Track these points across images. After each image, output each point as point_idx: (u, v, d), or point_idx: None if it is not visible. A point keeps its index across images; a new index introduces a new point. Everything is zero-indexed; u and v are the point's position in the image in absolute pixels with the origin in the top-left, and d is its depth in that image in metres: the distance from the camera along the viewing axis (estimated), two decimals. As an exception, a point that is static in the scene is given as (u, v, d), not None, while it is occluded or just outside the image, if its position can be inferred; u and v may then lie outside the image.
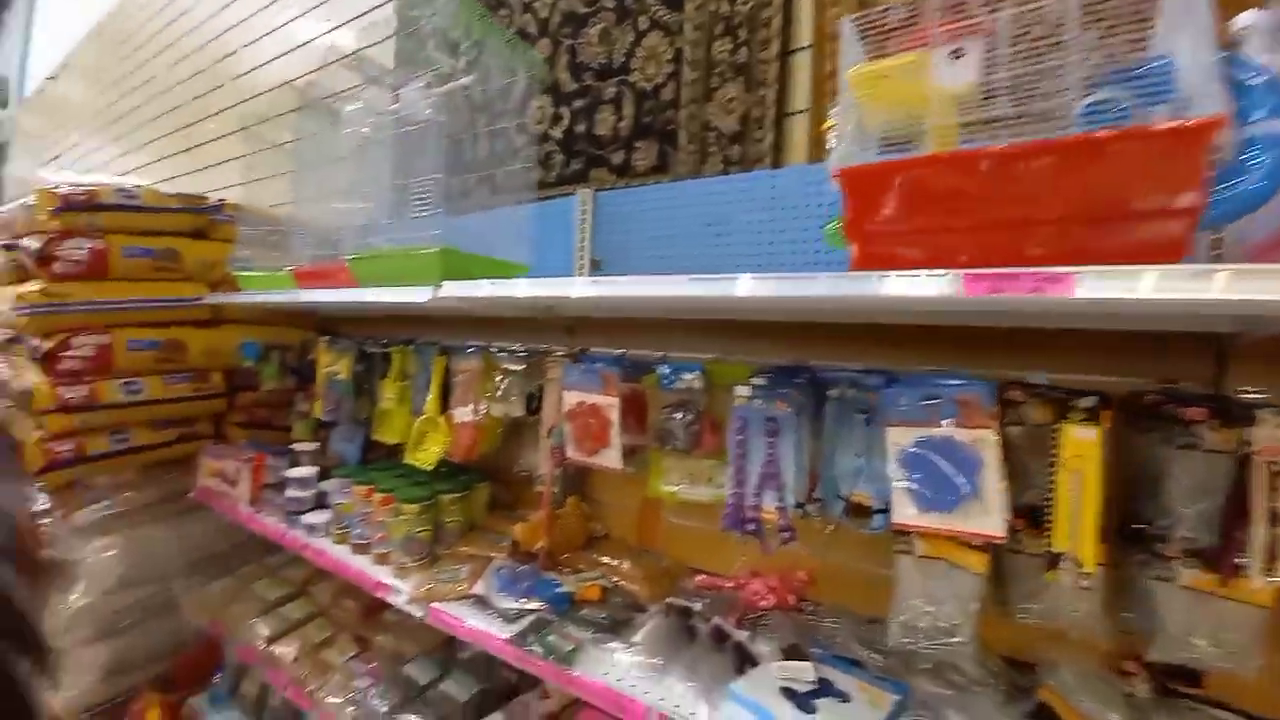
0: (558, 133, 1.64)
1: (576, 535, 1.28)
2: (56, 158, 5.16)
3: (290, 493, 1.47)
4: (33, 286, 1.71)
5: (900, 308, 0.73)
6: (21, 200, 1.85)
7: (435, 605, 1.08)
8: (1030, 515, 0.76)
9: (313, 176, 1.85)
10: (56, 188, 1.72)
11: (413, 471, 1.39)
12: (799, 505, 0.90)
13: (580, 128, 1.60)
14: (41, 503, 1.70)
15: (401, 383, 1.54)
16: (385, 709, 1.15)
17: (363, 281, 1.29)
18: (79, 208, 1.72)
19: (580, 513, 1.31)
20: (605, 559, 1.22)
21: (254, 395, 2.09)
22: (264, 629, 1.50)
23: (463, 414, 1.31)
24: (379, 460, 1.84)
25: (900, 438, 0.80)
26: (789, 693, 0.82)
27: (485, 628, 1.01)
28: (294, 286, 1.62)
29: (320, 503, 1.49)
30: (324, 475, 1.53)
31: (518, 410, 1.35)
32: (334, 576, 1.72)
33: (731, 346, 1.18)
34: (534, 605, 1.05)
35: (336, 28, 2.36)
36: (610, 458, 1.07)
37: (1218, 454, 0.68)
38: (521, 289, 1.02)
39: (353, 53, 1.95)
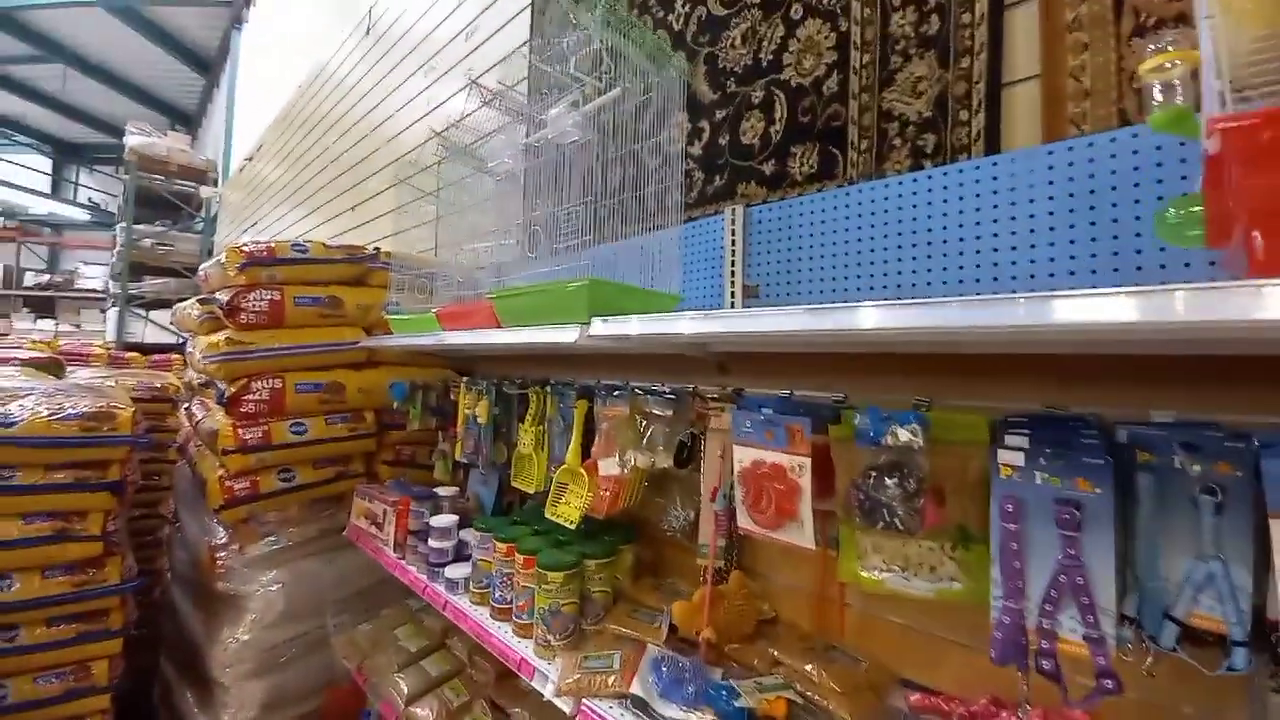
0: (697, 149, 1.49)
1: (743, 620, 1.05)
2: (254, 225, 6.12)
3: (432, 543, 1.41)
4: (221, 335, 1.88)
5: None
6: (215, 259, 2.09)
7: (587, 702, 0.91)
8: None
9: (457, 220, 1.90)
10: (243, 246, 1.90)
11: (554, 525, 1.27)
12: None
13: (723, 140, 1.43)
14: (220, 537, 1.82)
15: (539, 426, 1.44)
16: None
17: (506, 320, 1.21)
18: (262, 263, 1.88)
19: (747, 592, 1.08)
20: (783, 657, 0.97)
21: (401, 434, 2.16)
22: (404, 686, 1.44)
23: (608, 466, 1.16)
24: (517, 505, 1.77)
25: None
26: None
27: (649, 745, 0.81)
28: (438, 328, 1.61)
29: (460, 553, 1.41)
30: (464, 523, 1.46)
31: (665, 461, 1.18)
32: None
33: (942, 385, 0.91)
34: (706, 718, 0.84)
35: (478, 76, 2.45)
36: (801, 534, 0.85)
37: None
38: (684, 325, 0.84)
39: (482, 94, 1.99)
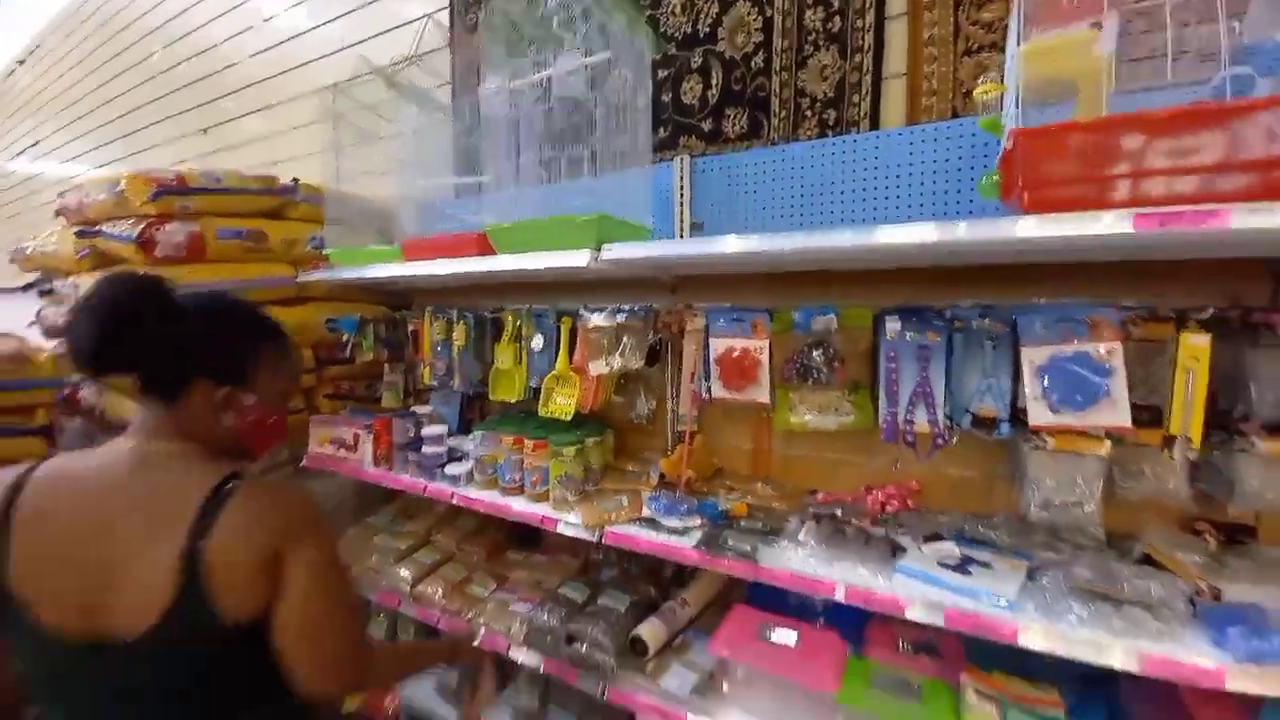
0: (642, 100, 1.73)
1: (706, 468, 1.46)
2: (34, 145, 4.92)
3: (427, 449, 1.60)
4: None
5: (1066, 246, 0.89)
6: (99, 186, 1.87)
7: (610, 529, 1.24)
8: (1139, 414, 0.96)
9: (368, 153, 1.94)
10: (149, 174, 1.75)
11: (543, 423, 1.53)
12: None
13: (666, 97, 1.70)
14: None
15: (516, 345, 1.67)
16: (556, 621, 1.32)
17: (503, 249, 1.40)
18: (174, 191, 1.75)
19: (708, 448, 1.48)
20: (735, 485, 1.40)
21: (340, 369, 2.19)
22: (404, 573, 1.64)
23: (597, 367, 1.45)
24: (476, 421, 1.97)
25: (1036, 356, 0.98)
26: (943, 565, 1.02)
27: (669, 541, 1.18)
28: (396, 259, 1.71)
29: (451, 456, 1.62)
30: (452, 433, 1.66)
31: (637, 363, 1.50)
32: (453, 524, 1.88)
33: (841, 294, 1.34)
34: (697, 521, 1.23)
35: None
36: (760, 393, 1.24)
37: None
38: (673, 248, 1.15)
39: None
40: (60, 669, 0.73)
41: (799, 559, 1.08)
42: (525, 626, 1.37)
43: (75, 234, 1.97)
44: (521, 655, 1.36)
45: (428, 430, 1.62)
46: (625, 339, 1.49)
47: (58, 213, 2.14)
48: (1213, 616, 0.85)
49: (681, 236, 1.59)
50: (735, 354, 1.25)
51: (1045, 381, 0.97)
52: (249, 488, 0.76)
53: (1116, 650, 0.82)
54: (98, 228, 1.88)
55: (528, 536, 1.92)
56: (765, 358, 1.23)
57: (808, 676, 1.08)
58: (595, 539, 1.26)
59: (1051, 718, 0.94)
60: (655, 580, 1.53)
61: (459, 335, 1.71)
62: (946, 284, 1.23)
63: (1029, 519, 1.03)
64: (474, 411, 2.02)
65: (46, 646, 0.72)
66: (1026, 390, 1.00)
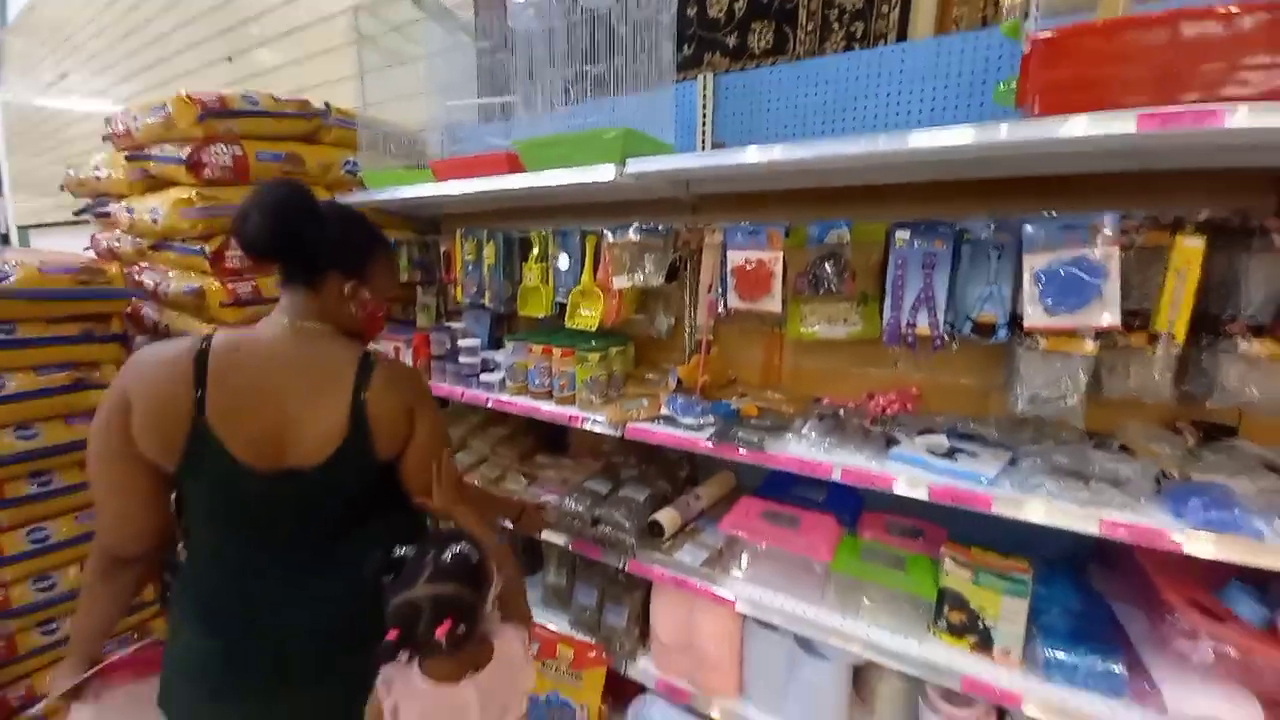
0: (666, 17, 1.72)
1: (721, 376, 1.56)
2: (61, 78, 4.95)
3: (463, 359, 1.73)
4: (184, 193, 1.86)
5: (1074, 148, 0.92)
6: (148, 109, 1.95)
7: (632, 425, 1.37)
8: (1130, 319, 1.02)
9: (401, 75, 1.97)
10: (193, 95, 1.82)
11: (569, 335, 1.65)
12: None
13: (691, 11, 1.68)
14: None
15: (543, 264, 1.76)
16: (583, 508, 1.48)
17: (532, 166, 1.47)
18: (218, 114, 1.83)
19: (722, 358, 1.58)
20: (747, 392, 1.51)
21: (376, 290, 2.32)
22: (445, 472, 1.82)
23: (620, 281, 1.54)
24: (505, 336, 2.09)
25: (1036, 262, 1.04)
26: (932, 453, 1.12)
27: (684, 434, 1.30)
28: (427, 180, 1.79)
29: (485, 367, 1.76)
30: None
31: (658, 280, 1.58)
32: (485, 433, 2.04)
33: (854, 211, 1.38)
34: (711, 419, 1.34)
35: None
36: (773, 303, 1.32)
37: (1283, 253, 0.93)
38: (714, 158, 1.21)
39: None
40: (248, 494, 0.91)
41: (801, 448, 1.20)
42: (556, 512, 1.53)
43: (126, 158, 2.08)
44: (552, 537, 1.53)
45: (463, 342, 1.74)
46: (646, 256, 1.57)
47: (105, 138, 2.25)
48: (1176, 493, 0.94)
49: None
50: (751, 266, 1.32)
51: (1043, 285, 1.03)
52: (384, 360, 0.99)
53: (1079, 516, 0.93)
54: (147, 151, 1.98)
55: (555, 443, 2.08)
56: (779, 269, 1.30)
57: (804, 548, 1.22)
58: (618, 434, 1.39)
59: (1019, 579, 1.06)
60: (671, 480, 1.68)
61: (489, 254, 1.80)
62: (959, 199, 1.27)
63: (1017, 414, 1.12)
64: (502, 329, 2.13)
65: (239, 478, 0.89)
66: (1025, 294, 1.06)
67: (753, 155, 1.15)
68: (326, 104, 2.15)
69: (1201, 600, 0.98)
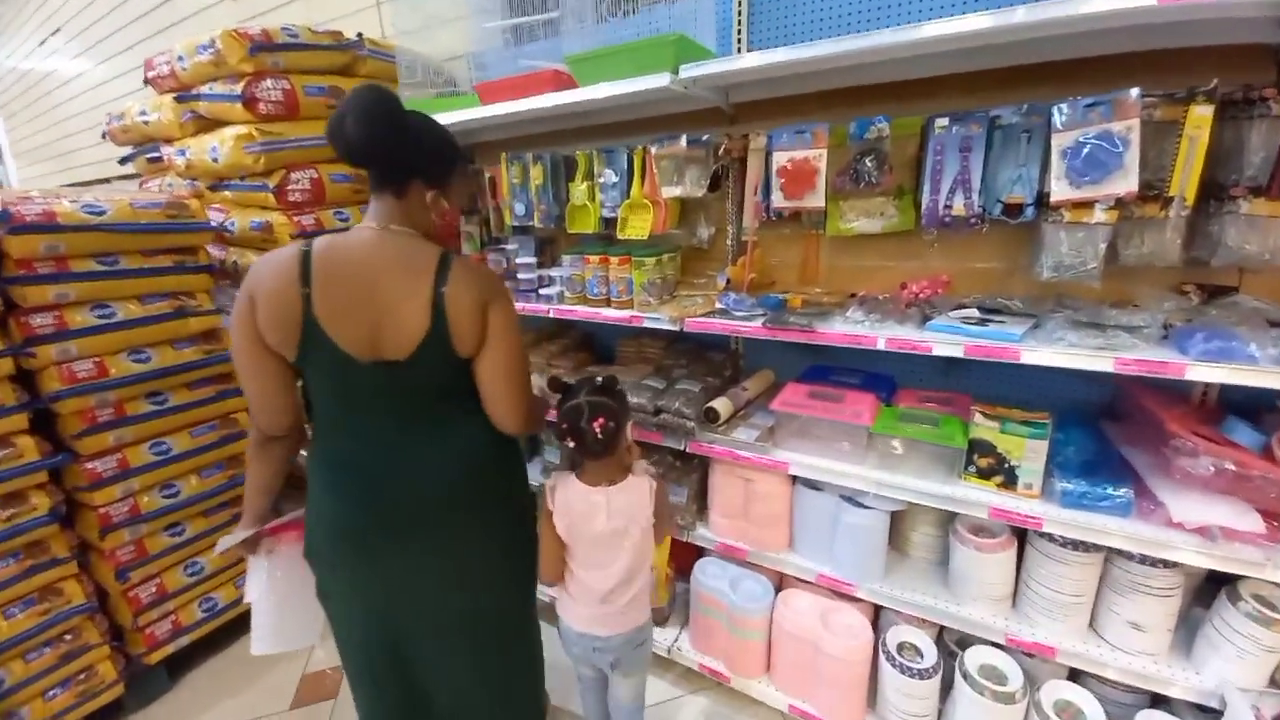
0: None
1: (765, 275, 1.70)
2: (55, 33, 4.80)
3: (522, 275, 1.87)
4: (243, 129, 1.95)
5: (1098, 24, 1.02)
6: (194, 47, 2.00)
7: (690, 319, 1.52)
8: (1145, 190, 1.14)
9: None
10: (239, 30, 1.88)
11: (620, 247, 1.77)
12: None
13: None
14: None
15: (588, 182, 1.86)
16: (645, 400, 1.66)
17: (583, 80, 1.55)
18: (265, 48, 1.89)
19: (764, 260, 1.71)
20: (790, 288, 1.65)
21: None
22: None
23: (668, 191, 1.65)
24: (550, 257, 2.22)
25: (1064, 140, 1.15)
26: (965, 320, 1.27)
27: (739, 324, 1.46)
28: (472, 104, 1.87)
29: (541, 283, 1.90)
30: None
31: (700, 189, 1.69)
32: (540, 348, 2.21)
33: (890, 108, 1.47)
34: (761, 310, 1.49)
35: None
36: (817, 199, 1.44)
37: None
38: (774, 56, 1.29)
39: None
40: (359, 382, 1.03)
41: (848, 325, 1.35)
42: (618, 406, 1.71)
43: (175, 99, 2.14)
44: (616, 429, 1.72)
45: (520, 260, 1.88)
46: (689, 168, 1.68)
47: (146, 82, 2.30)
48: (1181, 333, 1.09)
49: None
50: (796, 164, 1.43)
51: (1069, 160, 1.15)
52: (460, 258, 1.04)
53: (1096, 359, 1.08)
54: (196, 91, 2.05)
55: (605, 354, 2.25)
56: (823, 165, 1.41)
57: (849, 416, 1.40)
58: (678, 329, 1.54)
59: (1040, 424, 1.23)
60: (717, 377, 1.85)
61: (536, 175, 1.90)
62: (992, 89, 1.36)
63: (1042, 281, 1.26)
64: (545, 254, 2.26)
65: (345, 367, 1.00)
66: (1052, 171, 1.18)
67: (809, 51, 1.24)
68: (359, 34, 2.19)
69: (1203, 431, 1.15)
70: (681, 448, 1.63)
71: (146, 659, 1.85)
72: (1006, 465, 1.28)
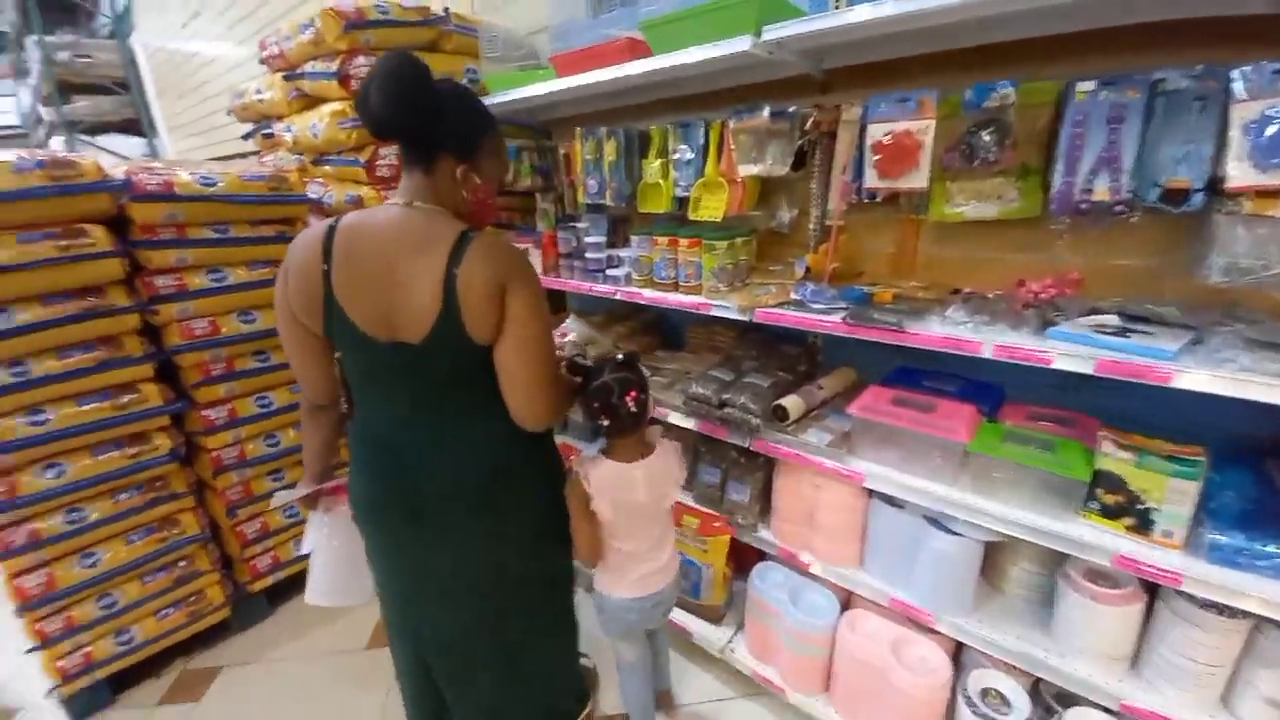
0: None
1: (850, 265, 1.53)
2: (195, 16, 5.29)
3: (590, 255, 1.82)
4: (337, 105, 2.03)
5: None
6: (298, 28, 2.11)
7: (761, 309, 1.40)
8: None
9: None
10: (335, 9, 1.94)
11: (692, 229, 1.66)
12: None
13: None
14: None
15: (662, 159, 1.76)
16: (710, 391, 1.57)
17: (659, 48, 1.45)
18: (359, 25, 1.94)
19: (850, 247, 1.54)
20: (879, 280, 1.47)
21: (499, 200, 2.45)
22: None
23: (745, 169, 1.52)
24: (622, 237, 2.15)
25: (1248, 112, 0.90)
26: (1099, 329, 1.05)
27: (815, 317, 1.31)
28: (548, 78, 1.82)
29: (609, 264, 1.84)
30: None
31: (782, 167, 1.54)
32: (610, 329, 2.16)
33: (1009, 73, 1.23)
34: (842, 304, 1.34)
35: None
36: (918, 179, 1.25)
37: None
38: (870, 12, 1.12)
39: None
40: (375, 363, 1.02)
41: (946, 328, 1.17)
42: (683, 396, 1.63)
43: (283, 78, 2.28)
44: (679, 420, 1.65)
45: (589, 239, 1.83)
46: (771, 143, 1.53)
47: (263, 62, 2.47)
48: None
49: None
50: (896, 138, 1.25)
51: (1253, 138, 0.90)
52: (482, 236, 0.97)
53: (1277, 388, 0.85)
54: (300, 70, 2.16)
55: (673, 340, 2.17)
56: (929, 139, 1.22)
57: (940, 430, 1.23)
58: (747, 319, 1.43)
59: (1190, 462, 1.00)
60: (790, 372, 1.71)
61: (609, 152, 1.83)
62: (1150, 48, 1.09)
63: (1209, 285, 1.01)
64: (619, 229, 2.19)
65: (365, 345, 0.99)
66: (1231, 151, 0.93)
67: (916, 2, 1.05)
68: (446, 9, 2.20)
69: None
70: (746, 445, 1.53)
71: (250, 587, 2.06)
72: (1141, 506, 1.06)
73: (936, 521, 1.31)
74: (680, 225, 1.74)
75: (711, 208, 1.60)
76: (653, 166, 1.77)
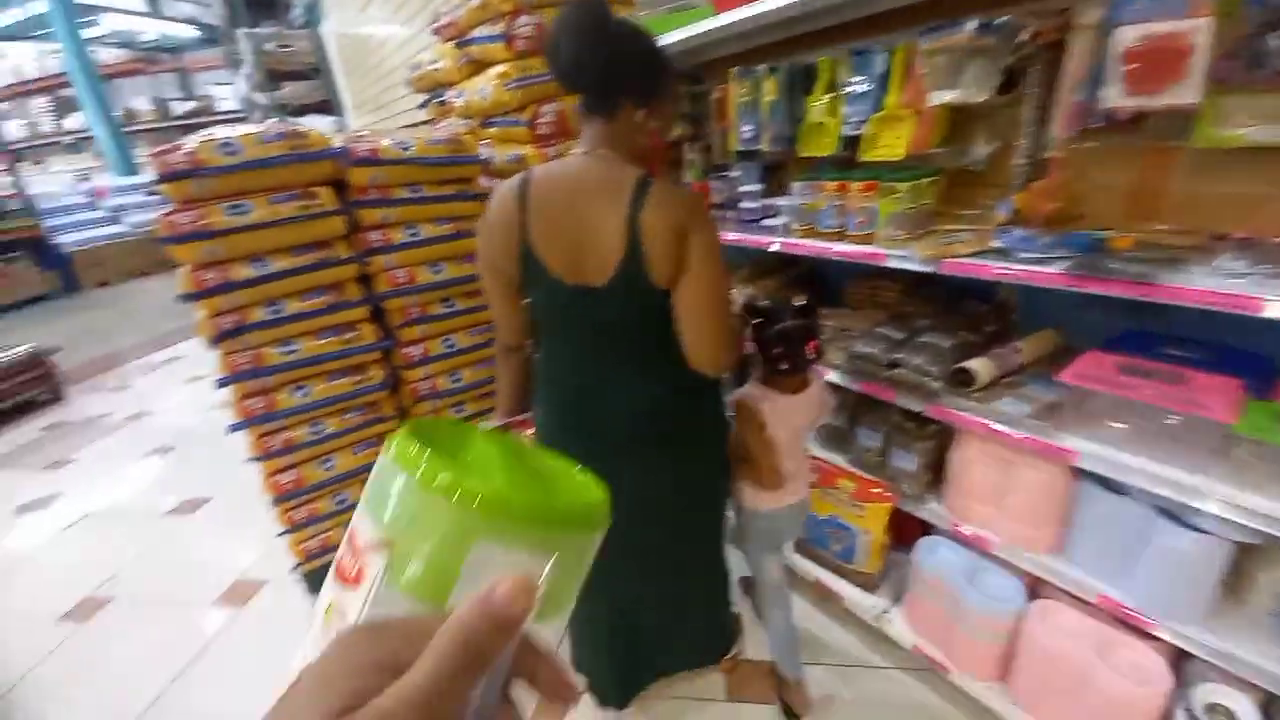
0: None
1: (1072, 206, 1.29)
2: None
3: (745, 204, 1.75)
4: (503, 67, 2.12)
5: None
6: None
7: (950, 259, 1.24)
8: None
9: None
10: (502, -32, 2.00)
11: (863, 172, 1.51)
12: None
13: None
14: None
15: (830, 94, 1.60)
16: (878, 350, 1.45)
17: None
18: (522, -19, 1.99)
19: (1073, 186, 1.29)
20: (1111, 226, 1.22)
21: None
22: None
23: (938, 96, 1.32)
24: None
25: None
26: None
27: (1023, 268, 1.13)
28: (708, 15, 1.72)
29: (765, 212, 1.75)
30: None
31: (984, 93, 1.31)
32: (760, 283, 2.08)
33: None
34: (1063, 252, 1.13)
35: None
36: (1185, 93, 0.99)
37: None
38: None
39: None
40: (563, 306, 1.09)
41: (1216, 280, 0.95)
42: (844, 354, 1.53)
43: (454, 46, 2.43)
44: (837, 379, 1.55)
45: (744, 188, 1.75)
46: (971, 65, 1.31)
47: (435, 32, 2.65)
48: None
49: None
50: (1155, 42, 0.99)
51: None
52: (662, 180, 1.00)
53: None
54: (470, 36, 2.28)
55: (829, 297, 2.04)
56: (1201, 42, 0.95)
57: (1192, 405, 1.01)
58: (931, 270, 1.27)
59: None
60: (975, 333, 1.51)
61: (770, 90, 1.70)
62: None
63: None
64: (770, 181, 2.07)
65: (555, 290, 1.07)
66: None
67: None
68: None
69: None
70: (919, 409, 1.40)
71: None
72: None
73: (1169, 513, 1.10)
74: (844, 169, 1.59)
75: (890, 145, 1.43)
76: (818, 103, 1.63)
